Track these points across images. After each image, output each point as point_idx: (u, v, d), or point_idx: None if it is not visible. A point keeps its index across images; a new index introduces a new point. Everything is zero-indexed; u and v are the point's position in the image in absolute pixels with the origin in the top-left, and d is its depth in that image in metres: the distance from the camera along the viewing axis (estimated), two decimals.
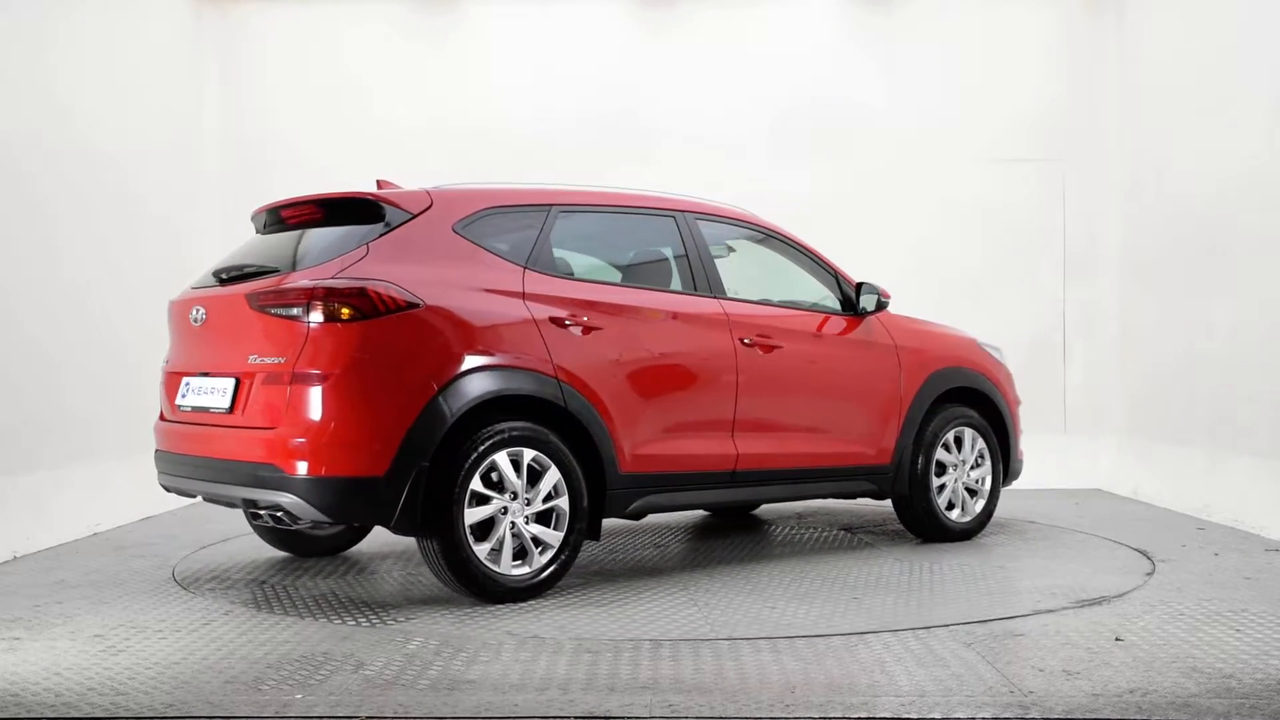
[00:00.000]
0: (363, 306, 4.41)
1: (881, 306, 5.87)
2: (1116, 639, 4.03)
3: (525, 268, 4.84)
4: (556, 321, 4.79)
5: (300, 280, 4.52)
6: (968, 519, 6.16)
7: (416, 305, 4.48)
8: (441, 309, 4.54)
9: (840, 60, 8.94)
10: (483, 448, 4.50)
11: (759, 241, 5.88)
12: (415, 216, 4.73)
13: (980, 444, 6.20)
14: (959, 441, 6.13)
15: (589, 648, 3.97)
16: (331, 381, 4.35)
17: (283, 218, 5.06)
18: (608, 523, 6.83)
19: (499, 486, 4.58)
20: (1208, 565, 5.44)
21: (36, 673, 3.70)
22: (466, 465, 4.46)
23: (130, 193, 7.57)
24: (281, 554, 5.76)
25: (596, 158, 8.63)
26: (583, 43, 8.95)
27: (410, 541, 5.94)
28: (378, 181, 5.17)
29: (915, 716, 3.24)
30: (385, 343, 4.41)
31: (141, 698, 3.43)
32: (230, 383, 4.65)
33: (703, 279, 5.40)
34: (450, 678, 3.61)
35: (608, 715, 3.27)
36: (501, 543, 4.56)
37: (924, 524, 6.04)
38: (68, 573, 5.36)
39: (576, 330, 4.83)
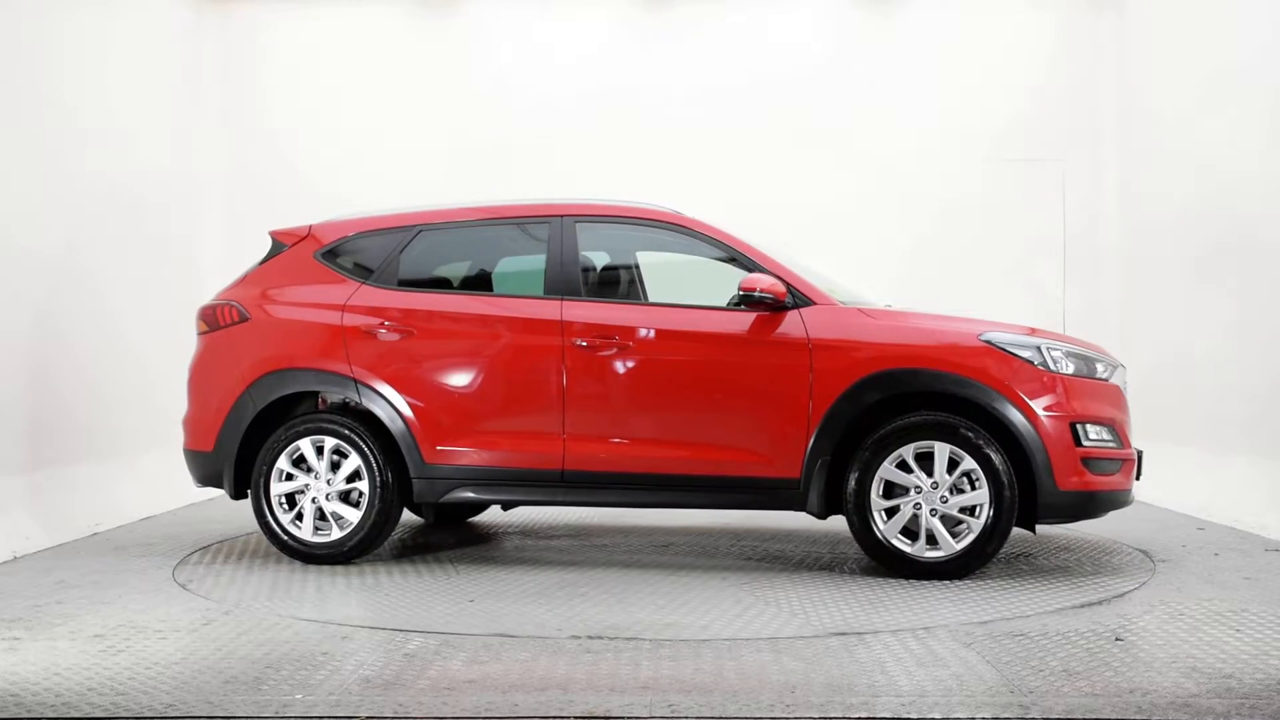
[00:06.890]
0: (210, 320, 5.73)
1: (748, 300, 5.14)
2: (1116, 639, 4.03)
3: (362, 283, 5.57)
4: (368, 329, 5.45)
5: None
6: (939, 554, 5.01)
7: (246, 319, 5.59)
8: (264, 322, 5.59)
9: (841, 60, 8.94)
10: (285, 434, 5.45)
11: (674, 240, 5.55)
12: (289, 247, 5.78)
13: (968, 464, 4.97)
14: (929, 458, 5.04)
15: (589, 648, 3.97)
16: (189, 377, 5.80)
17: None
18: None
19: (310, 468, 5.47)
20: (1208, 565, 5.44)
21: (36, 673, 3.70)
22: (272, 448, 5.46)
23: (130, 196, 7.56)
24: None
25: (596, 159, 8.63)
26: (585, 47, 8.95)
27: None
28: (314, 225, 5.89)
29: (915, 716, 3.24)
30: (221, 349, 5.66)
31: (141, 698, 3.43)
32: None
33: (559, 282, 5.41)
34: (450, 678, 3.62)
35: (608, 715, 3.27)
36: (302, 513, 5.44)
37: (875, 553, 5.12)
38: (68, 573, 5.37)
39: (393, 336, 5.44)
